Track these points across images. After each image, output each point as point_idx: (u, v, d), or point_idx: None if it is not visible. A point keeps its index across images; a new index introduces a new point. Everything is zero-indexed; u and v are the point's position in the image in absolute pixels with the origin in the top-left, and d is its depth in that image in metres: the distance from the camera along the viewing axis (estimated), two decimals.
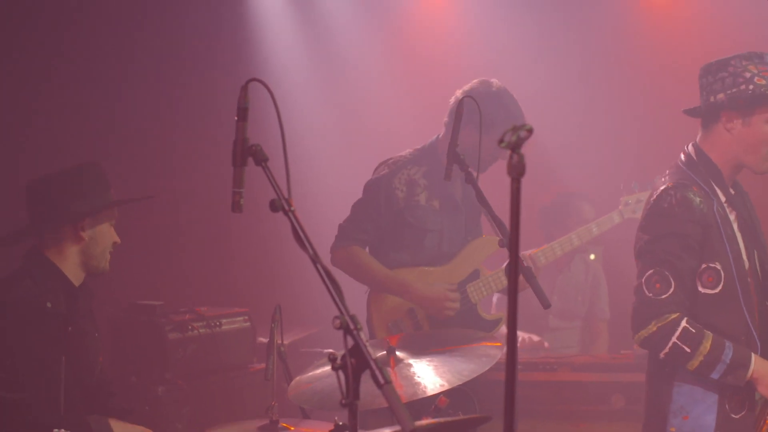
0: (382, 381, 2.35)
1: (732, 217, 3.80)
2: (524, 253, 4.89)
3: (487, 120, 4.33)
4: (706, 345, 3.62)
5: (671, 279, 3.67)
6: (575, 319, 6.31)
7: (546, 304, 3.70)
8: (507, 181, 2.15)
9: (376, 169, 5.07)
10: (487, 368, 3.56)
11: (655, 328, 3.68)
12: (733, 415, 3.70)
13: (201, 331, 5.51)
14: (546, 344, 5.95)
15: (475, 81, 4.93)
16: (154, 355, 5.33)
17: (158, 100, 6.73)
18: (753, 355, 3.65)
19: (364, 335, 2.48)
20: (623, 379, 5.12)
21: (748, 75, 3.74)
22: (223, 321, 5.68)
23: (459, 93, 4.88)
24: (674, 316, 3.66)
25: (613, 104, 6.97)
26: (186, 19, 6.83)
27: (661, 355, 3.70)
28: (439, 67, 7.11)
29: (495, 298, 6.21)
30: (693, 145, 3.88)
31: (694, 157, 3.84)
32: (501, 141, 2.13)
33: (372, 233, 4.94)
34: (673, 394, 3.77)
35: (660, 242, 3.74)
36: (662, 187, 3.79)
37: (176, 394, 5.28)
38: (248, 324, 5.83)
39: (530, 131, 2.11)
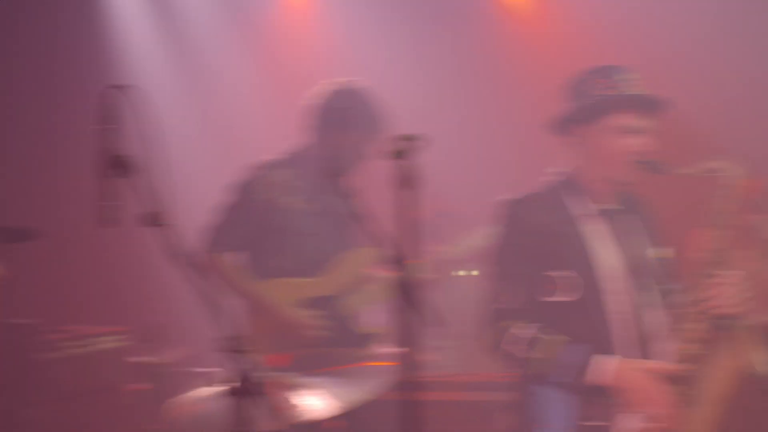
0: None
1: (599, 228, 3.70)
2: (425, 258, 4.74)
3: (351, 119, 4.18)
4: (552, 350, 3.50)
5: (516, 289, 3.61)
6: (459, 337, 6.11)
7: (438, 321, 3.50)
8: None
9: (246, 171, 4.75)
10: (383, 389, 3.51)
11: (499, 338, 3.57)
12: (593, 421, 3.51)
13: (73, 350, 5.27)
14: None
15: (332, 81, 4.73)
16: (20, 375, 5.04)
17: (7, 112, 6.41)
18: (611, 359, 3.47)
19: (251, 358, 2.36)
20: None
21: (594, 88, 3.74)
22: (97, 340, 5.45)
23: (317, 95, 4.71)
24: (517, 324, 3.55)
25: (488, 115, 6.82)
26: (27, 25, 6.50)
27: (509, 363, 3.59)
28: (304, 73, 6.94)
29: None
30: (564, 162, 3.85)
31: (561, 173, 3.82)
32: (390, 150, 2.07)
33: (242, 239, 4.66)
34: (534, 401, 3.64)
35: (502, 253, 3.69)
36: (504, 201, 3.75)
37: (44, 417, 5.02)
38: (124, 343, 5.60)
39: (418, 140, 2.04)
